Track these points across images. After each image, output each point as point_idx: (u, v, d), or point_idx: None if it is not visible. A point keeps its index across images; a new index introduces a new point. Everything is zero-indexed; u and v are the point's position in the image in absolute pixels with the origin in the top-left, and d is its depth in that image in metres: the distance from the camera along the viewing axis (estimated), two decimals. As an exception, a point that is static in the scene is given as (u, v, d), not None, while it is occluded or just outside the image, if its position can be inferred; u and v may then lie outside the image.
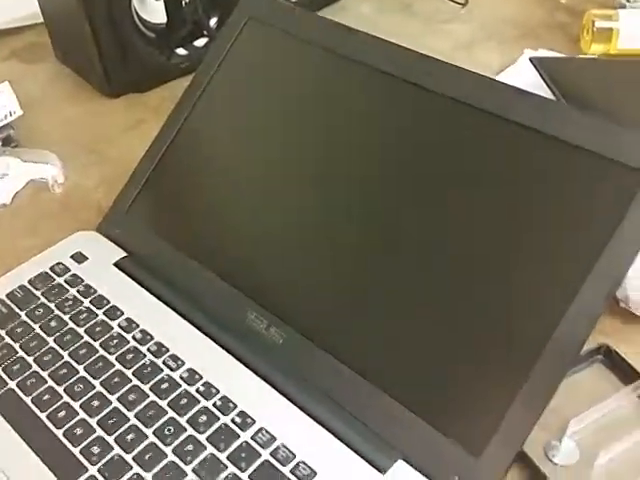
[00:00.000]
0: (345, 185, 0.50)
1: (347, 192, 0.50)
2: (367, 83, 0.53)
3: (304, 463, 0.41)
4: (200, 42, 0.79)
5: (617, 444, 0.43)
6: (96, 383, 0.46)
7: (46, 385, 0.46)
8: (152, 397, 0.45)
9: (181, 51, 0.78)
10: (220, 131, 0.58)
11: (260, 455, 0.42)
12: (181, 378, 0.46)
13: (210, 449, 0.42)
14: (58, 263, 0.54)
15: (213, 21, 0.80)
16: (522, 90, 0.47)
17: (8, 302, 0.51)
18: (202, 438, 0.43)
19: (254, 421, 0.44)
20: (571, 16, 0.86)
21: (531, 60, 0.62)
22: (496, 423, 0.40)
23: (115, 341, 0.49)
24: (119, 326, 0.50)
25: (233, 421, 0.44)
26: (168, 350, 0.48)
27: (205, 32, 0.79)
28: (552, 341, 0.41)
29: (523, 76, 0.64)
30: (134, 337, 0.49)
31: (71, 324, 0.50)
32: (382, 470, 0.41)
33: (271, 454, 0.42)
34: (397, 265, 0.47)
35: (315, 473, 0.41)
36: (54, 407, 0.45)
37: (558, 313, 0.41)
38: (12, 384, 0.46)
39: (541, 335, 0.41)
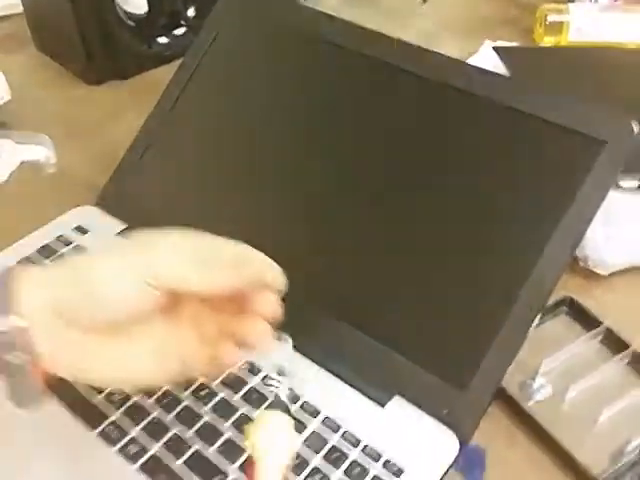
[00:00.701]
0: (326, 154, 0.55)
1: (329, 160, 0.55)
2: (345, 64, 0.57)
3: (309, 404, 0.46)
4: (179, 31, 0.83)
5: (583, 380, 0.49)
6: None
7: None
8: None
9: (162, 39, 0.82)
10: (211, 106, 0.62)
11: (266, 398, 0.46)
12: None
13: (222, 394, 0.46)
14: (60, 236, 0.57)
15: (191, 11, 0.83)
16: (493, 72, 0.52)
17: (16, 271, 0.54)
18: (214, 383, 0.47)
19: (259, 370, 0.48)
20: (524, 11, 0.93)
21: (494, 49, 0.68)
22: (478, 361, 0.46)
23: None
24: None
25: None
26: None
27: (183, 22, 0.83)
28: (527, 286, 0.46)
29: (486, 64, 0.70)
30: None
31: (80, 289, 0.53)
32: (382, 404, 0.46)
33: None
34: (383, 217, 0.52)
35: (319, 412, 0.45)
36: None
37: (531, 263, 0.46)
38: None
39: (517, 281, 0.46)
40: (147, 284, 0.36)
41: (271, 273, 0.40)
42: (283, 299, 0.41)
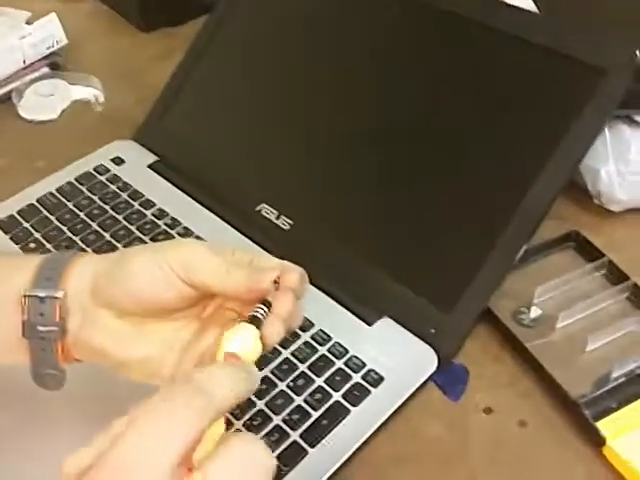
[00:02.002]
0: (336, 94, 0.57)
1: (336, 93, 0.57)
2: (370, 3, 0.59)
3: (304, 317, 0.49)
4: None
5: (577, 308, 0.50)
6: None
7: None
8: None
9: (210, -12, 0.85)
10: (242, 47, 0.65)
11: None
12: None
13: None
14: (100, 165, 0.63)
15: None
16: (504, 3, 0.53)
17: (57, 195, 0.60)
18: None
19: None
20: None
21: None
22: (465, 285, 0.48)
23: (148, 226, 0.57)
24: (152, 214, 0.58)
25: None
26: (193, 233, 0.56)
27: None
28: (517, 213, 0.47)
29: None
30: (165, 223, 0.57)
31: (112, 212, 0.58)
32: (370, 323, 0.49)
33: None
34: (382, 144, 0.54)
35: (313, 324, 0.49)
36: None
37: (523, 190, 0.48)
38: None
39: (510, 204, 0.48)
40: (177, 279, 0.36)
41: (291, 276, 0.38)
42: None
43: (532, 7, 0.68)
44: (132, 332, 0.38)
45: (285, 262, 0.39)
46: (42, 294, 0.37)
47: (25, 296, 0.37)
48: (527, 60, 0.51)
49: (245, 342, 0.34)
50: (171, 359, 0.38)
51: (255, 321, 0.35)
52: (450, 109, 0.52)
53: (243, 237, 0.55)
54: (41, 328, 0.37)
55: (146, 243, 0.55)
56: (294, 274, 0.38)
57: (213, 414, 0.29)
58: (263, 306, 0.35)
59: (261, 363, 0.46)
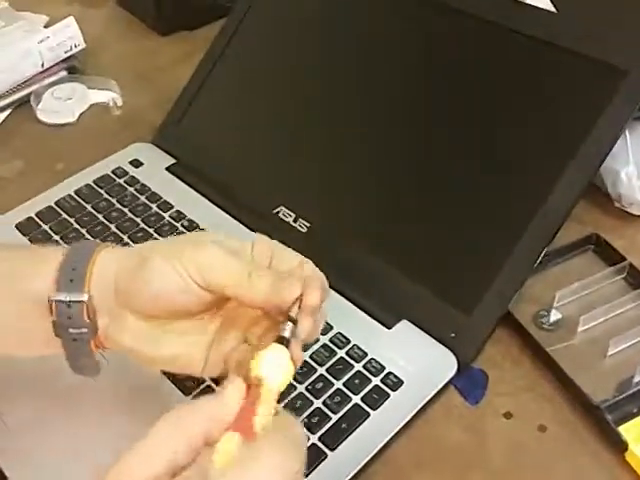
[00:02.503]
0: (356, 94, 0.57)
1: (358, 101, 0.57)
2: (391, 5, 0.59)
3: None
4: (244, -16, 0.86)
5: (598, 312, 0.50)
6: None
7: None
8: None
9: (227, -8, 0.85)
10: (257, 57, 0.65)
11: (286, 314, 0.50)
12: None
13: (244, 309, 0.50)
14: (118, 167, 0.63)
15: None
16: (522, 2, 0.52)
17: (76, 197, 0.60)
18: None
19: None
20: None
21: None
22: (485, 289, 0.47)
23: (166, 227, 0.57)
24: (170, 216, 0.58)
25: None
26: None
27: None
28: (537, 217, 0.47)
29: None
30: (182, 225, 0.57)
31: (130, 214, 0.58)
32: (389, 326, 0.48)
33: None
34: (405, 147, 0.54)
35: (332, 327, 0.48)
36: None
37: (544, 194, 0.47)
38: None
39: (531, 207, 0.47)
40: (193, 284, 0.36)
41: (314, 296, 0.36)
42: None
43: (550, 7, 0.68)
44: (158, 333, 0.38)
45: (307, 262, 0.39)
46: (67, 299, 0.37)
47: (50, 300, 0.37)
48: (547, 61, 0.51)
49: (278, 365, 0.33)
50: (199, 354, 0.38)
51: (285, 341, 0.34)
52: (470, 111, 0.52)
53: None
54: (72, 330, 0.38)
55: (164, 245, 0.56)
56: (316, 293, 0.36)
57: None
58: (291, 324, 0.35)
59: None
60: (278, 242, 0.41)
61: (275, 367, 0.33)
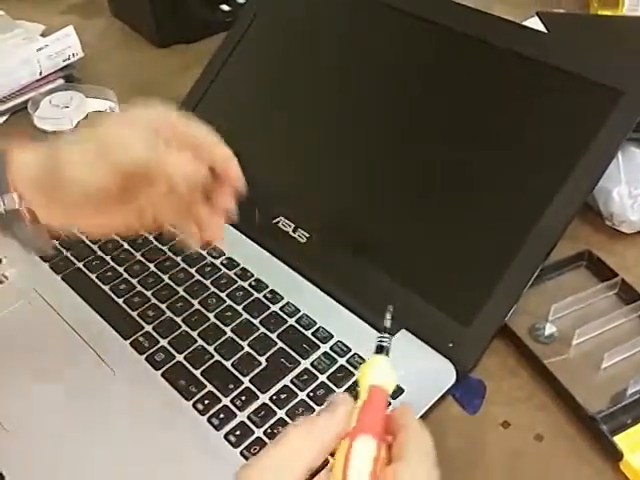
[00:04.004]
0: (356, 109, 0.58)
1: (359, 115, 0.58)
2: (388, 21, 0.60)
3: (323, 328, 0.49)
4: (241, -1, 0.87)
5: (591, 326, 0.51)
6: (151, 266, 0.55)
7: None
8: (197, 277, 0.54)
9: (224, 7, 0.86)
10: (258, 68, 0.66)
11: (287, 321, 0.50)
12: (222, 264, 0.55)
13: (245, 315, 0.51)
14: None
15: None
16: (523, 25, 0.54)
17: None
18: (239, 308, 0.51)
19: (282, 297, 0.52)
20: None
21: (538, 14, 0.69)
22: (483, 301, 0.48)
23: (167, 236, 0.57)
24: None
25: (265, 297, 0.52)
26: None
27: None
28: (534, 232, 0.48)
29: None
30: (182, 233, 0.57)
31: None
32: (389, 335, 0.49)
33: (296, 321, 0.50)
34: (405, 159, 0.55)
35: (332, 335, 0.49)
36: (116, 281, 0.54)
37: (540, 209, 0.48)
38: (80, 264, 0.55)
39: (528, 224, 0.48)
40: (107, 166, 0.39)
41: (228, 165, 0.43)
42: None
43: (542, 28, 0.70)
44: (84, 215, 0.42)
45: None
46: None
47: None
48: (542, 81, 0.52)
49: (385, 373, 0.36)
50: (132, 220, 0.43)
51: (385, 351, 0.37)
52: (467, 129, 0.53)
53: (260, 248, 0.56)
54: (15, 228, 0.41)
55: (164, 253, 0.56)
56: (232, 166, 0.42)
57: None
58: (388, 335, 0.37)
59: (282, 373, 0.47)
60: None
61: (383, 376, 0.35)
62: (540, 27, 0.71)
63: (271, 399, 0.45)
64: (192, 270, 0.54)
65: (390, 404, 0.36)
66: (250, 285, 0.53)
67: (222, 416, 0.45)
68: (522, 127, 0.52)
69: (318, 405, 0.45)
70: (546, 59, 0.52)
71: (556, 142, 0.50)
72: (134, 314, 0.51)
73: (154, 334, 0.50)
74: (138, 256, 0.56)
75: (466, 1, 0.84)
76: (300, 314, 0.51)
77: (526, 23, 0.77)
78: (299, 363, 0.47)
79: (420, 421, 0.35)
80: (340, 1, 0.64)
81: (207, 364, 0.48)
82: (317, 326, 0.50)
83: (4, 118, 0.73)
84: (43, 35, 0.84)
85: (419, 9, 0.57)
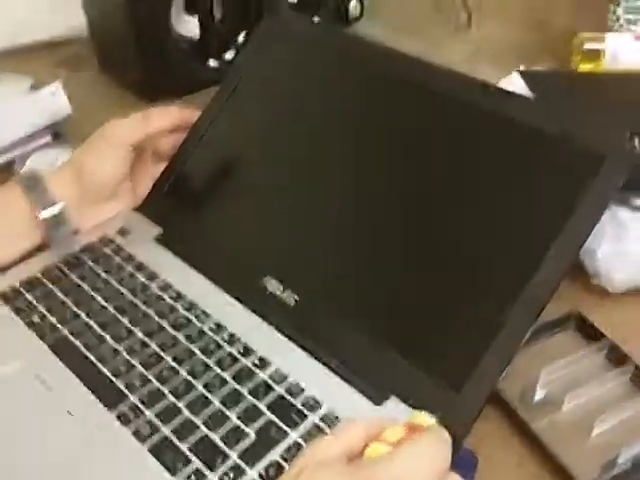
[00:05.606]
0: (343, 171, 0.59)
1: (346, 177, 0.59)
2: (370, 84, 0.61)
3: (313, 398, 0.49)
4: (229, 55, 0.88)
5: (582, 391, 0.51)
6: (137, 331, 0.54)
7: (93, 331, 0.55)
8: (185, 344, 0.53)
9: (212, 63, 0.88)
10: (245, 127, 0.67)
11: (275, 390, 0.49)
12: (210, 330, 0.54)
13: (233, 385, 0.50)
14: (104, 236, 0.63)
15: (241, 37, 0.89)
16: (501, 88, 0.55)
17: (62, 267, 0.60)
18: (226, 375, 0.50)
19: (270, 363, 0.51)
20: (563, 40, 0.94)
21: (519, 72, 0.70)
22: (473, 366, 0.48)
23: (154, 298, 0.57)
24: (158, 287, 0.58)
25: (253, 363, 0.51)
26: (198, 307, 0.56)
27: (233, 47, 0.89)
28: (522, 296, 0.48)
29: (513, 87, 0.72)
30: (170, 296, 0.57)
31: (116, 285, 0.58)
32: (378, 403, 0.49)
33: (285, 390, 0.49)
34: (391, 227, 0.55)
35: (320, 405, 0.48)
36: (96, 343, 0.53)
37: (528, 273, 0.48)
38: (65, 331, 0.55)
39: (513, 292, 0.48)
40: (118, 153, 0.65)
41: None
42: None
43: (527, 92, 0.71)
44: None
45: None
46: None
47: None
48: (525, 146, 0.53)
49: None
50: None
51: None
52: (455, 193, 0.54)
53: (249, 311, 0.56)
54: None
55: (150, 317, 0.55)
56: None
57: None
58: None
59: (270, 447, 0.46)
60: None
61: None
62: (521, 84, 0.72)
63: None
64: (179, 335, 0.54)
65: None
66: (238, 352, 0.52)
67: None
68: (507, 191, 0.52)
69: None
70: (529, 123, 0.52)
71: (541, 207, 0.51)
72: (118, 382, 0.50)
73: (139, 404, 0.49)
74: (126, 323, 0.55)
75: (451, 58, 0.86)
76: (288, 381, 0.50)
77: (506, 80, 0.78)
78: (287, 435, 0.47)
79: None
80: (327, 64, 0.65)
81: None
82: (305, 394, 0.49)
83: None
84: (32, 88, 0.84)
85: (403, 72, 0.58)
